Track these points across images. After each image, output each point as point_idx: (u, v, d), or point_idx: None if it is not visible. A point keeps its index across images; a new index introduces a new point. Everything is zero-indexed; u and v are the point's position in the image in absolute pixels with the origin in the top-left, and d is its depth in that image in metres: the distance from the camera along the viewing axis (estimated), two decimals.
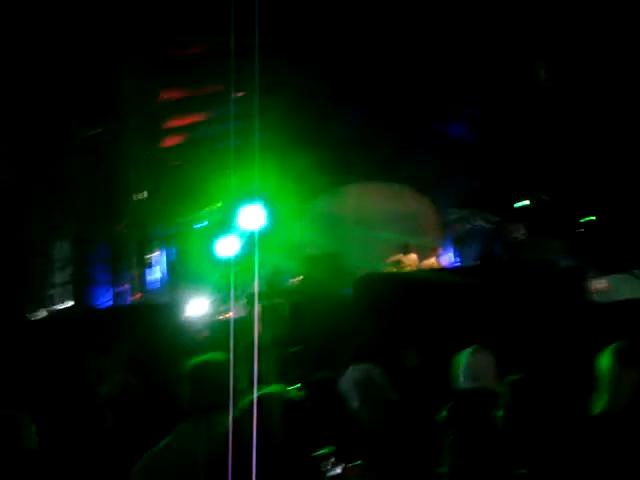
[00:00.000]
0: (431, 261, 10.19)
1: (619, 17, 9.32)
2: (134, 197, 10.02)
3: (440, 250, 10.55)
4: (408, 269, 9.66)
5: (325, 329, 6.83)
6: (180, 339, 6.44)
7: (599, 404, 2.19)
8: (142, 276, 10.31)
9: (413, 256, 10.06)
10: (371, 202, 13.76)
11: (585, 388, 2.39)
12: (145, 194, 10.53)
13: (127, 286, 10.14)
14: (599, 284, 10.57)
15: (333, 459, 1.97)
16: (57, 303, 9.20)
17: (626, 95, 10.43)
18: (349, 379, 3.11)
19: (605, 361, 2.24)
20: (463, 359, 3.07)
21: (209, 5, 8.95)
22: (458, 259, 12.50)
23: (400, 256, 9.83)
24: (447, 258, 10.38)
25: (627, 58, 9.91)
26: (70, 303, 9.32)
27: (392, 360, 3.92)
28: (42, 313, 8.39)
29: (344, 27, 10.04)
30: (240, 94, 11.13)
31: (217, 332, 7.65)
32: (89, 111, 9.49)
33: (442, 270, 9.64)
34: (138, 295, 9.52)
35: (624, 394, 2.13)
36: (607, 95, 10.73)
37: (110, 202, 9.99)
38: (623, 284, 10.72)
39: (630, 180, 11.21)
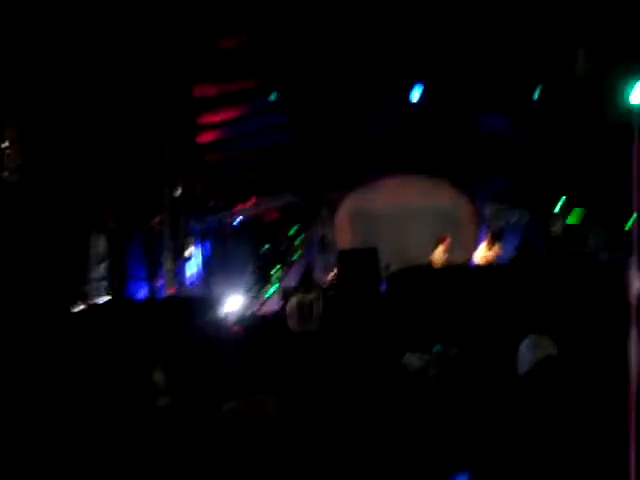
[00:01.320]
0: (467, 256, 10.02)
1: None
2: (169, 193, 10.06)
3: (477, 246, 10.38)
4: (445, 262, 9.56)
5: (360, 324, 6.77)
6: (217, 334, 6.43)
7: None
8: (178, 271, 10.36)
9: (446, 249, 9.99)
10: (407, 197, 13.62)
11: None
12: (181, 189, 10.57)
13: (163, 280, 10.20)
14: None
15: None
16: (93, 298, 9.30)
17: None
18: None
19: None
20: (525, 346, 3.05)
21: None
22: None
23: (439, 250, 9.73)
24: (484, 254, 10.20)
25: None
26: (106, 298, 9.42)
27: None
28: (78, 307, 8.48)
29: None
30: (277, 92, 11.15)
31: (251, 328, 7.63)
32: (128, 103, 9.55)
33: (478, 267, 9.47)
34: (172, 290, 9.56)
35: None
36: None
37: (146, 196, 10.06)
38: None
39: None
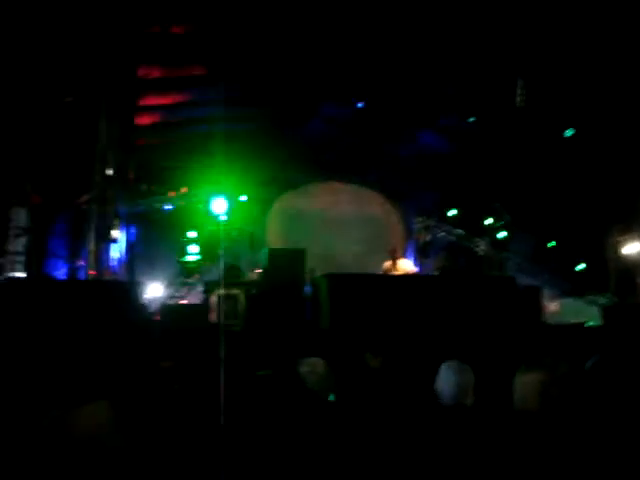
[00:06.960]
0: (391, 266, 10.21)
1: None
2: (100, 172, 9.79)
3: (402, 256, 10.60)
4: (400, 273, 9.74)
5: (281, 323, 6.81)
6: (135, 320, 6.33)
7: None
8: (100, 253, 10.10)
9: (404, 261, 10.20)
10: (339, 202, 13.78)
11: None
12: (112, 170, 10.31)
13: (83, 261, 9.92)
14: (552, 305, 10.81)
15: None
16: (7, 272, 8.97)
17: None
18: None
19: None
20: (452, 375, 3.06)
21: None
22: (419, 267, 12.60)
23: (390, 262, 9.90)
24: (409, 265, 10.42)
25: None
26: (21, 273, 9.09)
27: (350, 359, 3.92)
28: None
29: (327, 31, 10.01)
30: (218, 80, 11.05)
31: (170, 317, 7.54)
32: (62, 77, 9.25)
33: (402, 276, 9.66)
34: (93, 272, 9.30)
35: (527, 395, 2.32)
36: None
37: (74, 174, 9.76)
38: (574, 308, 10.98)
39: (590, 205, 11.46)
